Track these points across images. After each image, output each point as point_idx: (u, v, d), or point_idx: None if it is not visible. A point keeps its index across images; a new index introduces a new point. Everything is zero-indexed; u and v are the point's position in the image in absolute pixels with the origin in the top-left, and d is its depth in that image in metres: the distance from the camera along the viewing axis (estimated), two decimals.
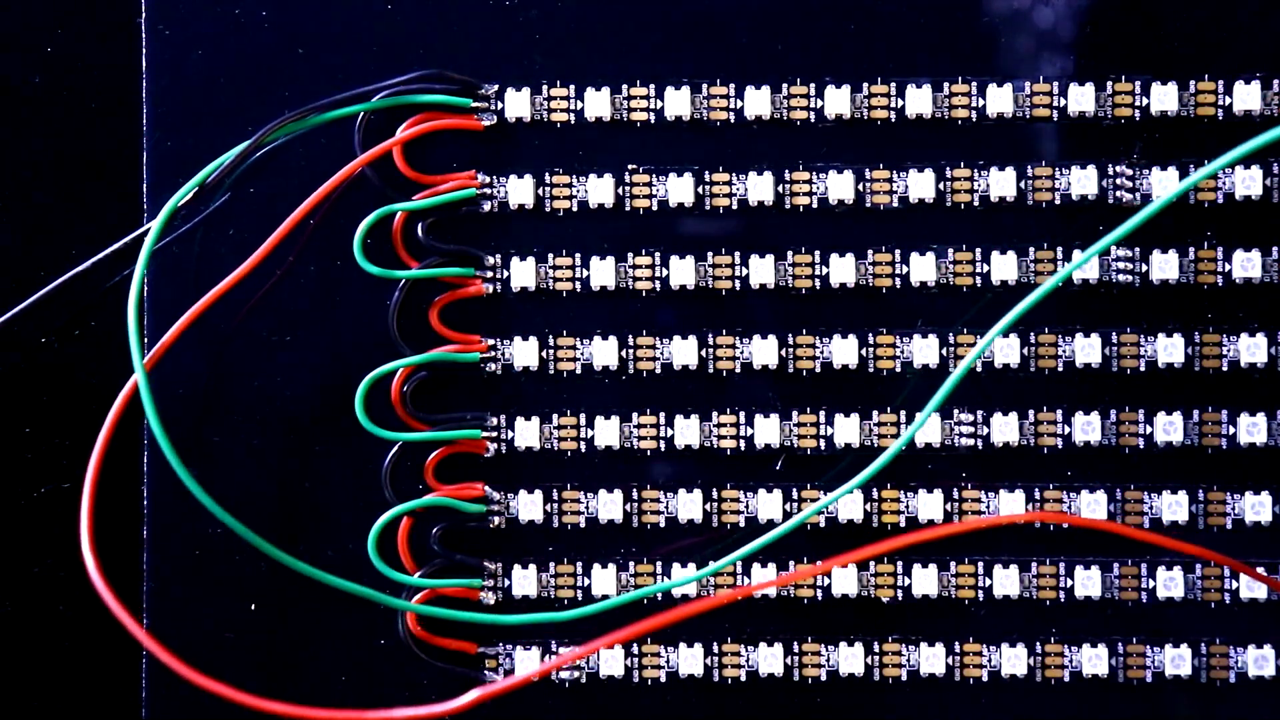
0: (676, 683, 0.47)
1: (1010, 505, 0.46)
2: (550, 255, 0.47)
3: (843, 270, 0.46)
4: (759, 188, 0.46)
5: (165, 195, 0.46)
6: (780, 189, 0.46)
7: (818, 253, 0.46)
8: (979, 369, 0.46)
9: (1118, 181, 0.46)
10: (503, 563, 0.47)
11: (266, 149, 0.46)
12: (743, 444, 0.46)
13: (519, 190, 0.47)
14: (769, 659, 0.46)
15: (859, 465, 0.44)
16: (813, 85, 0.46)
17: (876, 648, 0.46)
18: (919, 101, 0.46)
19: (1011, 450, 0.46)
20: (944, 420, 0.46)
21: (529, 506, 0.47)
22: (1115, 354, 0.46)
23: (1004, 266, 0.46)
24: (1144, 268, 0.46)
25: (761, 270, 0.46)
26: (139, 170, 0.47)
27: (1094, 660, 0.46)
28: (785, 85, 0.46)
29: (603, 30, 0.47)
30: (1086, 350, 0.46)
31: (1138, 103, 0.46)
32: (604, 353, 0.47)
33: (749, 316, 0.47)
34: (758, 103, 0.46)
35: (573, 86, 0.47)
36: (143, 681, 0.47)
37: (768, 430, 0.46)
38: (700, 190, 0.47)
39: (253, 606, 0.47)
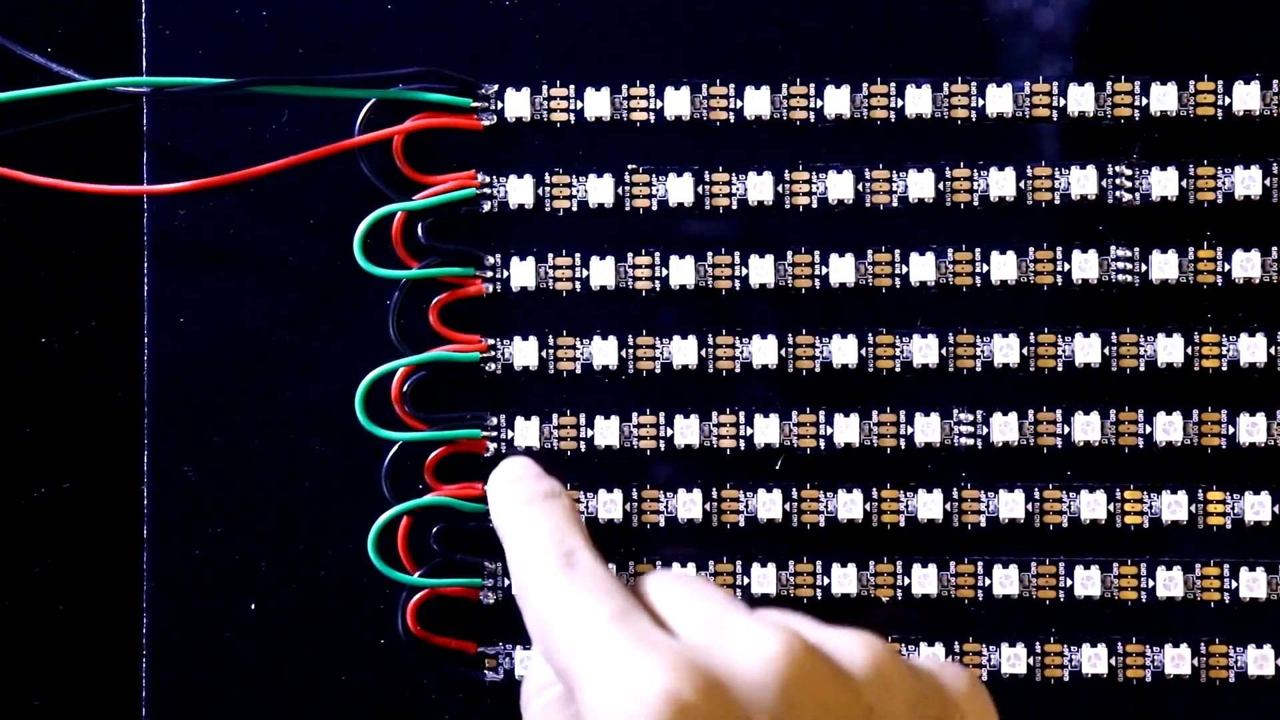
0: None
1: (1010, 505, 0.46)
2: (550, 255, 0.47)
3: (843, 270, 0.46)
4: (759, 188, 0.46)
5: (164, 195, 0.46)
6: (780, 189, 0.46)
7: (818, 253, 0.46)
8: (978, 369, 0.46)
9: (1117, 181, 0.46)
10: (502, 562, 0.47)
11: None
12: (742, 444, 0.46)
13: (519, 190, 0.47)
14: None
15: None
16: (813, 85, 0.46)
17: None
18: (919, 101, 0.46)
19: (1011, 450, 0.46)
20: (944, 420, 0.46)
21: None
22: (1115, 354, 0.46)
23: (1004, 266, 0.46)
24: (1144, 268, 0.46)
25: (761, 270, 0.46)
26: (139, 170, 0.47)
27: (1094, 660, 0.46)
28: (785, 85, 0.46)
29: (603, 30, 0.47)
30: (1086, 350, 0.46)
31: (1138, 103, 0.46)
32: (604, 353, 0.47)
33: (749, 316, 0.47)
34: (758, 103, 0.46)
35: (573, 86, 0.47)
36: (143, 681, 0.47)
37: (767, 430, 0.46)
38: (700, 190, 0.47)
39: (252, 606, 0.47)
